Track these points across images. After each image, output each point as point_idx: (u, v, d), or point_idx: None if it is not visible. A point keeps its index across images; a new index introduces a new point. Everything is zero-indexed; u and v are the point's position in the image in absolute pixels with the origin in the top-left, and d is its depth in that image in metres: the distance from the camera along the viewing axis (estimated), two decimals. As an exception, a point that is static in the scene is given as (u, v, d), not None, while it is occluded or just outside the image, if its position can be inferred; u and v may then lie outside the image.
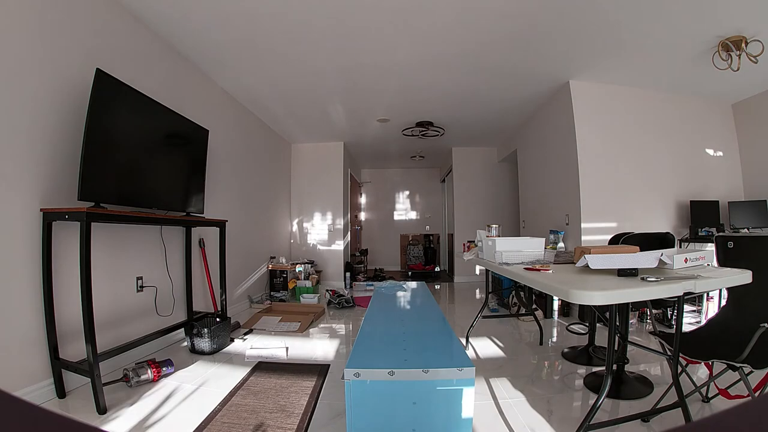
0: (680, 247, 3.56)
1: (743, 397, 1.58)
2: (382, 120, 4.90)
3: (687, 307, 3.31)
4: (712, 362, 1.46)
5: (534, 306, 3.28)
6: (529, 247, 2.05)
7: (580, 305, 3.07)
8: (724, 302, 1.85)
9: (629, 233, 2.54)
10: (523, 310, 3.47)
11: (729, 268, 1.53)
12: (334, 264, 5.97)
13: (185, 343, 2.74)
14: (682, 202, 3.77)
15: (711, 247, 2.49)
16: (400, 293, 2.66)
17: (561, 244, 2.59)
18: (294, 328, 3.28)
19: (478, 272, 6.24)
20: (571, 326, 3.21)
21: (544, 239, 2.13)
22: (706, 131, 3.94)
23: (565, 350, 2.60)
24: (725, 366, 1.39)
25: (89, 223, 1.79)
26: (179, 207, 2.73)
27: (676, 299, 1.41)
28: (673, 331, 1.48)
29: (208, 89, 3.49)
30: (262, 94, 3.99)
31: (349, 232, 6.54)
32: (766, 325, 1.26)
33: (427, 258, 7.89)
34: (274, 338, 3.01)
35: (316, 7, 2.44)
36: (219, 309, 3.09)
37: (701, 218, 3.65)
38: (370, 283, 5.85)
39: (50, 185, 1.91)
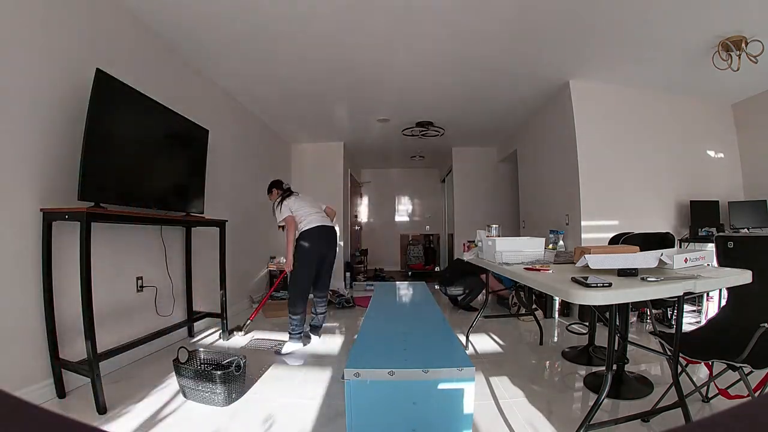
0: (680, 247, 3.56)
1: (743, 397, 1.58)
2: (382, 120, 4.90)
3: (687, 307, 3.31)
4: (712, 362, 1.46)
5: (534, 306, 3.28)
6: (529, 247, 2.05)
7: (580, 305, 3.07)
8: (724, 302, 1.85)
9: (629, 233, 2.54)
10: (523, 310, 3.47)
11: (729, 268, 1.53)
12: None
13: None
14: (682, 202, 3.76)
15: (711, 247, 2.49)
16: (400, 293, 2.66)
17: (561, 244, 2.58)
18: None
19: (478, 272, 6.23)
20: (571, 326, 3.21)
21: (544, 239, 2.13)
22: (706, 131, 3.94)
23: (565, 350, 2.60)
24: (725, 366, 1.39)
25: (89, 223, 1.79)
26: (179, 207, 2.73)
27: (676, 299, 1.41)
28: (673, 331, 1.48)
29: (208, 89, 3.49)
30: (262, 94, 3.98)
31: (349, 232, 6.53)
32: (766, 325, 1.26)
33: (428, 258, 7.88)
34: (276, 334, 3.03)
35: (317, 7, 2.44)
36: (220, 309, 3.07)
37: (701, 218, 3.65)
38: (370, 283, 5.85)
39: (50, 185, 1.91)
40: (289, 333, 2.70)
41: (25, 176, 1.80)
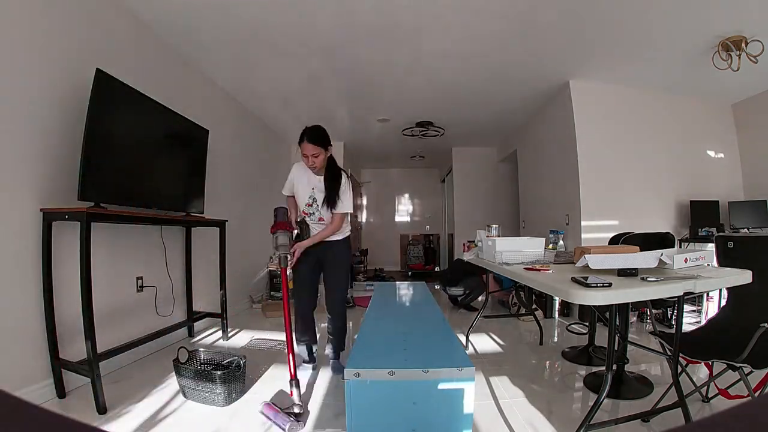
0: (680, 247, 3.56)
1: (743, 397, 1.58)
2: (382, 120, 4.90)
3: (687, 307, 3.31)
4: (712, 362, 1.46)
5: (534, 306, 3.28)
6: (529, 247, 2.05)
7: (580, 305, 3.07)
8: (724, 302, 1.85)
9: (629, 233, 2.54)
10: (523, 310, 3.47)
11: (729, 268, 1.53)
12: (334, 264, 5.96)
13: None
14: (682, 202, 3.76)
15: (711, 247, 2.49)
16: (400, 293, 2.66)
17: (561, 244, 2.58)
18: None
19: (478, 272, 6.22)
20: (571, 326, 3.21)
21: (544, 239, 2.13)
22: (706, 131, 3.94)
23: (565, 350, 2.59)
24: (725, 366, 1.39)
25: (89, 223, 1.78)
26: (179, 207, 2.73)
27: (676, 299, 1.41)
28: (673, 331, 1.48)
29: (208, 89, 3.48)
30: (262, 94, 3.98)
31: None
32: (766, 325, 1.26)
33: (428, 258, 7.88)
34: (276, 334, 3.02)
35: (317, 7, 2.44)
36: (220, 309, 3.07)
37: (701, 218, 3.65)
38: (370, 283, 5.85)
39: (50, 185, 1.91)
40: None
41: (25, 176, 1.80)
